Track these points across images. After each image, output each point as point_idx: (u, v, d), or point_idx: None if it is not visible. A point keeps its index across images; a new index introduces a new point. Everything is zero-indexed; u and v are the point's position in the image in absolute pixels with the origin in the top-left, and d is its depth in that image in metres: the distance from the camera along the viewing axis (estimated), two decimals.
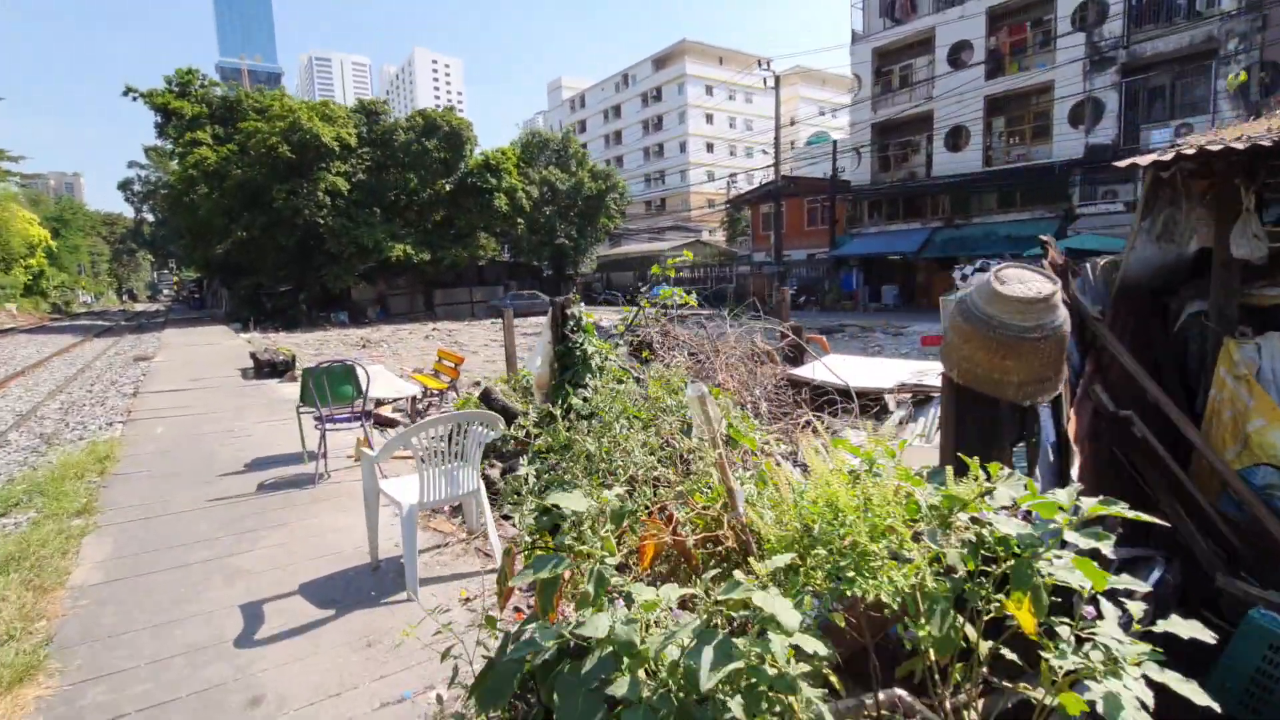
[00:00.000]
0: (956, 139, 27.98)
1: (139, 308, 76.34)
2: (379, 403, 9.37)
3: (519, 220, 36.22)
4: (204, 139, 31.02)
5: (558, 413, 3.93)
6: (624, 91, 78.54)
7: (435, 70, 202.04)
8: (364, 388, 5.69)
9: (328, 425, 5.35)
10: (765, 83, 31.23)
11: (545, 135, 40.53)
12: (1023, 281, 2.56)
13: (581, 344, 4.89)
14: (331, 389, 5.59)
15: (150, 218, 62.03)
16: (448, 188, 36.84)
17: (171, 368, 13.98)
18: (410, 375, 11.75)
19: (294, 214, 29.95)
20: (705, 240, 48.39)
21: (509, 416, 5.55)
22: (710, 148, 72.41)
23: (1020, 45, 26.35)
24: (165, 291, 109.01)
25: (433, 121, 34.16)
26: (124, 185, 58.48)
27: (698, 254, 44.23)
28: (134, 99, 32.04)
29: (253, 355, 13.02)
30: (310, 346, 22.25)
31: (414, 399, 8.83)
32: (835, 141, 31.85)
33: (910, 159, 30.31)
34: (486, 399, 5.55)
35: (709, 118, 72.32)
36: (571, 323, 4.93)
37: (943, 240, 27.63)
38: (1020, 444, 2.74)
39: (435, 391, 9.84)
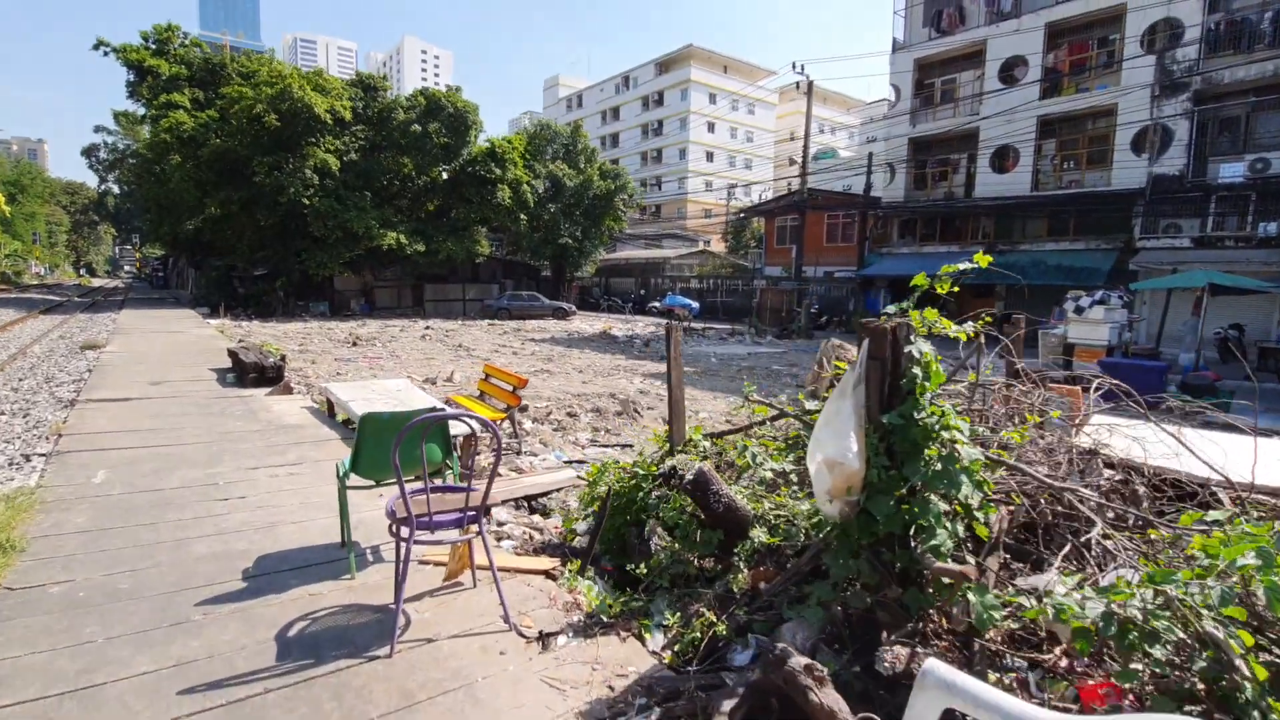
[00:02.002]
0: (1003, 159, 26.28)
1: (96, 283, 71.46)
2: None
3: (521, 215, 33.62)
4: (181, 102, 27.95)
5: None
6: (624, 93, 76.69)
7: (424, 61, 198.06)
8: (466, 449, 3.25)
9: (418, 536, 2.86)
10: (798, 86, 29.29)
11: (554, 127, 38.00)
12: None
13: (942, 415, 2.54)
14: (412, 454, 3.14)
15: (115, 189, 57.89)
16: (444, 176, 34.21)
17: (126, 363, 11.19)
18: (445, 395, 9.20)
19: (277, 191, 27.01)
20: (711, 250, 46.30)
21: (738, 527, 3.16)
22: (710, 157, 70.83)
23: (1081, 64, 24.78)
24: (126, 268, 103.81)
25: (436, 102, 31.48)
26: (88, 151, 54.43)
27: (705, 265, 42.16)
28: (105, 54, 28.85)
29: (232, 354, 10.32)
30: (292, 340, 19.44)
31: (470, 439, 6.33)
32: (871, 154, 30.00)
33: (950, 178, 28.56)
34: (700, 490, 3.13)
35: (710, 126, 70.75)
36: (915, 371, 2.58)
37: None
38: None
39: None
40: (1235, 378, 16.21)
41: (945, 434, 2.51)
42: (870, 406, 2.63)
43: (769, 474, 3.39)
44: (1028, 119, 25.12)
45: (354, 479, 3.39)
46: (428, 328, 25.84)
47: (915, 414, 2.54)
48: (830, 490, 2.64)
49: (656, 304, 37.38)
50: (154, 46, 29.47)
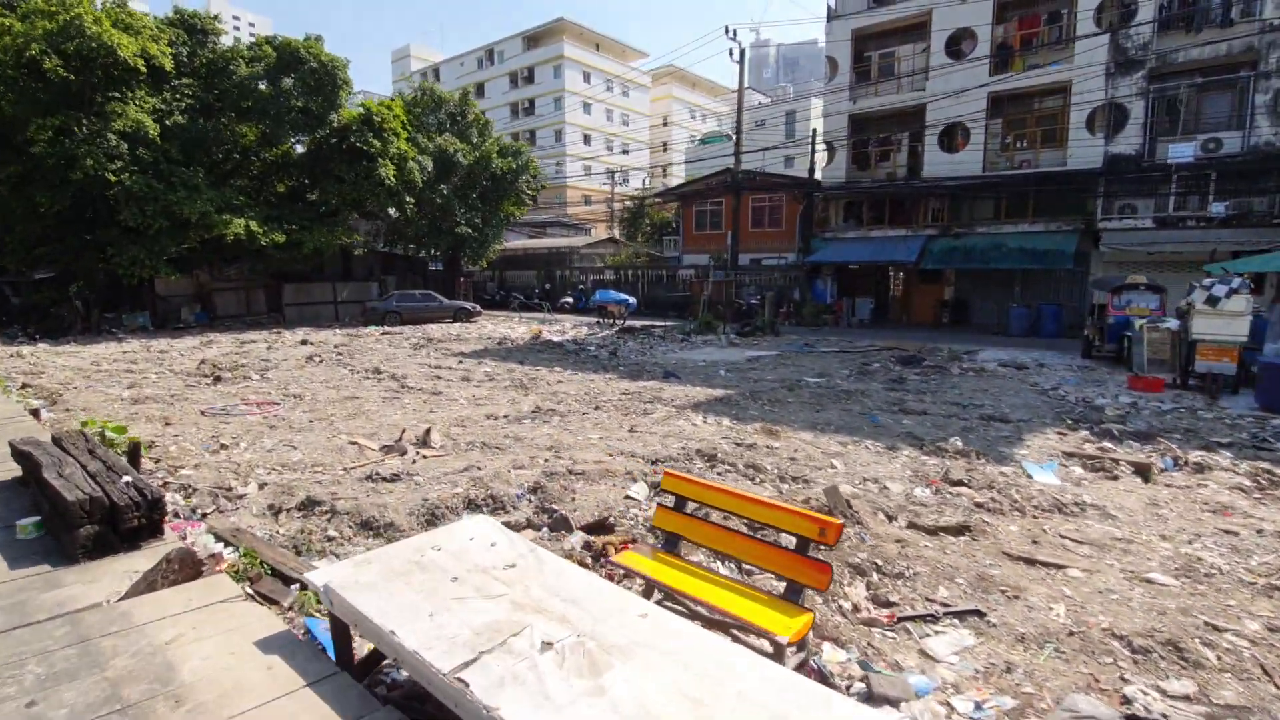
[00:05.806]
0: (952, 138, 24.88)
1: None
2: None
3: (408, 198, 27.75)
4: None
5: None
6: (489, 69, 70.44)
7: (237, 27, 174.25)
8: None
9: None
10: (732, 54, 26.08)
11: (438, 93, 32.05)
12: None
13: None
14: None
15: None
16: (298, 149, 27.55)
17: None
18: (599, 549, 4.68)
19: (66, 164, 19.53)
20: (623, 240, 42.44)
21: None
22: (587, 139, 66.75)
23: (1032, 39, 23.79)
24: None
25: (291, 54, 24.74)
26: None
27: (618, 255, 38.28)
28: None
29: (24, 457, 5.01)
30: (111, 376, 13.13)
31: None
32: (815, 129, 27.62)
33: (893, 157, 26.90)
34: None
35: (586, 107, 66.63)
36: None
37: (941, 250, 24.34)
38: None
39: None
40: None
41: None
42: None
43: None
44: (978, 96, 23.80)
45: None
46: (305, 342, 19.84)
47: None
48: None
49: (569, 299, 33.00)
50: None
